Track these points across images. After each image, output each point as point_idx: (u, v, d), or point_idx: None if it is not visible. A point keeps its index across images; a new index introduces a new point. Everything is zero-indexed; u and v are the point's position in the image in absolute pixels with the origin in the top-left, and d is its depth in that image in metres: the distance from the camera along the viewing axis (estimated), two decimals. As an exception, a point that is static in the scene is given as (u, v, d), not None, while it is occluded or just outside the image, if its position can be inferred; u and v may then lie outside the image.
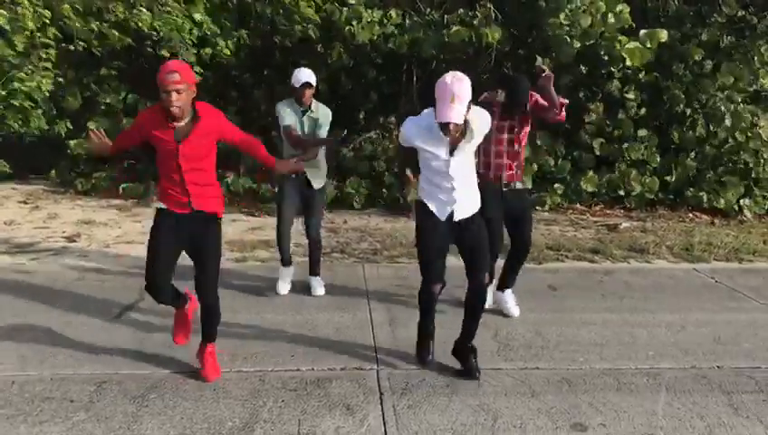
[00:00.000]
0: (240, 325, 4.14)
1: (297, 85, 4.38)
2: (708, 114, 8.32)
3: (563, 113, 4.05)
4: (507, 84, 4.05)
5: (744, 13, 8.29)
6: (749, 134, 8.24)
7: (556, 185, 8.22)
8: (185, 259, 3.35)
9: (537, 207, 7.90)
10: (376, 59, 8.59)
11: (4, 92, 7.50)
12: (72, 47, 8.02)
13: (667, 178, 8.33)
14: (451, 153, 3.28)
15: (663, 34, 7.67)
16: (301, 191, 4.60)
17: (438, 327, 3.69)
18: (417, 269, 3.56)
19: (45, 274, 5.21)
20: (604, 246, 6.45)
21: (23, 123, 8.08)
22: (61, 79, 8.27)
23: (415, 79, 8.71)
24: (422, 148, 3.32)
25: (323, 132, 4.54)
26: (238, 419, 3.05)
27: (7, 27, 7.32)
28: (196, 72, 8.02)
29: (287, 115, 4.44)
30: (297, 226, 4.88)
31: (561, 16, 7.48)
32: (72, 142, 8.34)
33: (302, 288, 4.85)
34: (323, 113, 4.52)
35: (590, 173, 8.27)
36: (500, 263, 4.38)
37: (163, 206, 3.32)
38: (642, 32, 7.68)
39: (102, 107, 8.49)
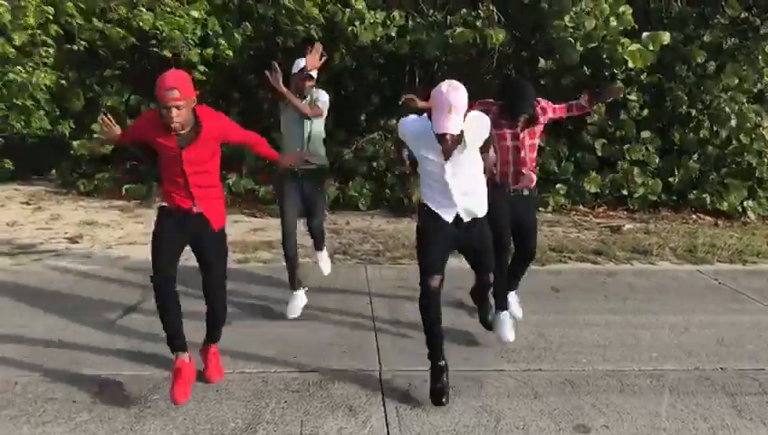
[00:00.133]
0: (243, 326, 4.13)
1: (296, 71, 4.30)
2: (712, 115, 8.30)
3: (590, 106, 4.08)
4: (509, 92, 3.88)
5: (747, 14, 8.26)
6: (753, 135, 8.21)
7: (559, 186, 8.19)
8: (190, 260, 3.34)
9: (540, 209, 7.88)
10: (378, 60, 8.59)
11: None
12: (74, 47, 8.03)
13: (671, 179, 8.31)
14: (446, 158, 3.20)
15: (665, 37, 7.64)
16: (301, 192, 4.58)
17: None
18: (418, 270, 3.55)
19: (47, 275, 5.21)
20: (607, 247, 6.43)
21: (25, 124, 8.09)
22: (63, 81, 8.28)
23: (417, 80, 8.70)
24: (417, 149, 3.29)
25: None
26: (241, 420, 3.05)
27: (8, 19, 7.27)
28: (200, 72, 8.05)
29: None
30: (300, 227, 4.87)
31: (566, 19, 7.46)
32: (74, 143, 8.34)
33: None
34: (323, 100, 4.37)
35: (593, 174, 8.26)
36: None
37: (166, 205, 3.29)
38: (645, 34, 7.66)
39: (103, 109, 8.49)
